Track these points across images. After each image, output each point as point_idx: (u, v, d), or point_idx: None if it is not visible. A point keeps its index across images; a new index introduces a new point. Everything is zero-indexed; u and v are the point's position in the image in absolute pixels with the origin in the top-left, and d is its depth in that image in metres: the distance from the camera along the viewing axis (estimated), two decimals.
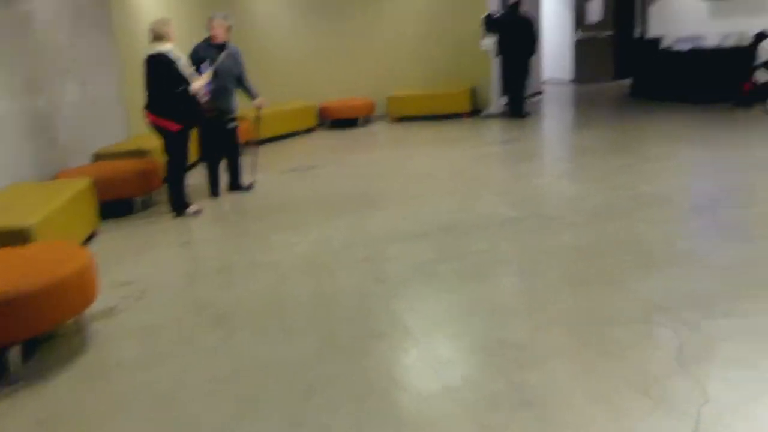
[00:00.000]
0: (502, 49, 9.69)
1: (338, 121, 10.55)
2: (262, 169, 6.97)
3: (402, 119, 10.63)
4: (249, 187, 6.45)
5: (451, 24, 10.52)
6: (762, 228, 4.18)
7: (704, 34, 10.21)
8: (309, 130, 10.21)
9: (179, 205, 5.57)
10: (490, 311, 3.31)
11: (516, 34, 9.56)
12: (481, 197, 5.56)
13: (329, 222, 5.16)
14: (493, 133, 9.07)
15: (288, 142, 9.48)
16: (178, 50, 5.35)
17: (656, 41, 11.11)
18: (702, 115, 8.67)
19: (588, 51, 13.78)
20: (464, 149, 8.00)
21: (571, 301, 3.33)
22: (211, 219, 5.60)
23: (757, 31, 8.83)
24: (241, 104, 6.35)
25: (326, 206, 5.71)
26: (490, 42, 9.78)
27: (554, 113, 10.85)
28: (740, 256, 3.73)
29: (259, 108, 6.42)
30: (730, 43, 9.52)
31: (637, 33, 12.22)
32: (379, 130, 10.22)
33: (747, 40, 9.15)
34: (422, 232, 4.66)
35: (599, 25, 13.71)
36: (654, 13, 11.48)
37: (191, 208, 5.61)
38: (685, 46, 10.16)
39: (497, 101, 10.34)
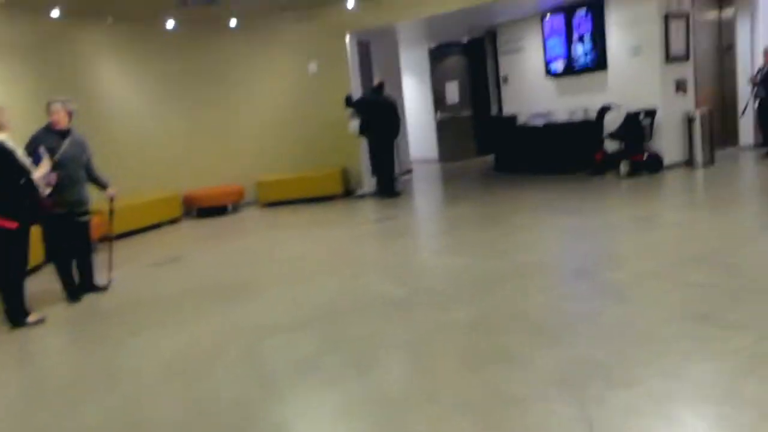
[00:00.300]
0: (367, 130, 9.78)
1: (206, 209, 10.01)
2: (121, 264, 6.28)
3: (273, 204, 10.30)
4: (105, 287, 5.75)
5: (319, 106, 10.52)
6: (634, 289, 4.22)
7: (554, 110, 10.95)
8: (174, 221, 9.57)
9: (17, 314, 4.78)
10: (386, 405, 2.96)
11: (379, 116, 9.70)
12: (363, 278, 5.29)
13: (199, 318, 4.63)
14: (367, 212, 8.96)
15: (151, 234, 8.79)
16: (11, 141, 4.74)
17: (513, 118, 11.76)
18: (562, 185, 9.11)
19: (450, 130, 14.36)
20: (340, 230, 7.78)
21: (470, 384, 3.07)
22: (59, 326, 4.86)
23: (600, 105, 9.56)
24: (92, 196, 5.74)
25: (195, 300, 5.16)
26: (355, 124, 9.87)
27: (425, 190, 11.01)
28: (622, 318, 3.69)
29: (111, 199, 5.84)
30: (579, 117, 10.25)
31: (493, 111, 12.94)
32: (250, 216, 9.80)
33: (592, 114, 9.88)
34: (303, 321, 4.27)
35: (458, 106, 14.40)
36: (507, 92, 12.21)
37: (31, 318, 4.83)
38: (539, 122, 10.81)
39: (369, 181, 10.33)
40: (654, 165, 9.01)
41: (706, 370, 2.93)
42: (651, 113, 8.93)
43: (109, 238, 6.28)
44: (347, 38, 10.43)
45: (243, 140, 10.68)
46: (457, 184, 11.17)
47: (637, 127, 8.91)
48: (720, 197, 7.31)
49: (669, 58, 9.11)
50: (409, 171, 13.18)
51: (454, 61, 14.37)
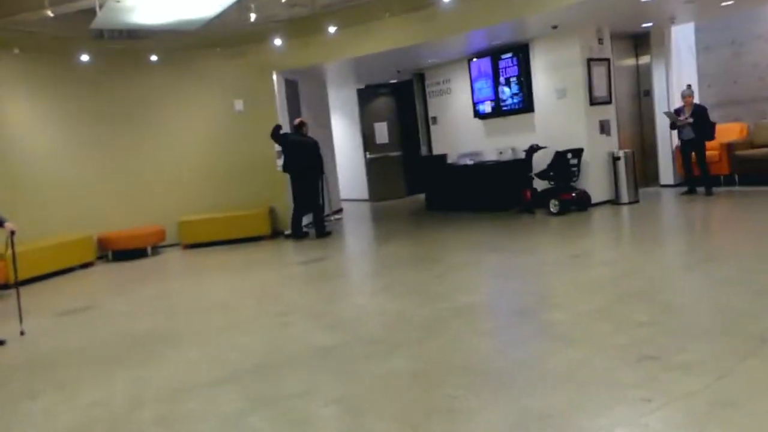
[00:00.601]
0: (290, 169, 9.49)
1: (122, 252, 9.37)
2: (24, 314, 5.65)
3: (197, 246, 9.77)
4: (2, 342, 5.13)
5: (246, 144, 10.19)
6: (578, 330, 4.08)
7: (483, 150, 11.03)
8: (86, 265, 8.88)
9: None
10: None
11: (299, 156, 9.40)
12: (294, 326, 4.93)
13: (109, 375, 4.13)
14: (296, 254, 8.60)
15: (60, 279, 8.10)
16: None
17: (442, 158, 11.78)
18: (494, 223, 9.09)
19: (380, 170, 14.27)
20: (268, 273, 7.39)
21: None
22: None
23: (528, 145, 9.67)
24: None
25: (105, 354, 4.65)
26: (281, 161, 9.62)
27: (357, 230, 10.77)
28: (570, 362, 3.51)
29: (11, 234, 5.28)
30: (507, 156, 10.34)
31: (423, 151, 12.96)
32: (171, 259, 9.24)
33: (521, 154, 9.98)
34: (227, 376, 3.87)
35: (388, 146, 14.36)
36: (436, 132, 12.26)
37: None
38: (468, 161, 10.85)
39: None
40: (582, 203, 9.14)
41: (666, 417, 2.76)
42: (578, 153, 9.09)
43: (12, 284, 5.66)
44: (274, 76, 10.20)
45: (165, 178, 10.16)
46: (388, 223, 11.00)
47: (566, 166, 9.04)
48: (648, 234, 7.42)
49: (592, 100, 9.35)
50: (340, 211, 12.94)
51: (383, 102, 14.38)
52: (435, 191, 11.57)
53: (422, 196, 12.12)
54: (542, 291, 5.27)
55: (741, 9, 9.57)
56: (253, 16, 8.11)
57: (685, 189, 9.75)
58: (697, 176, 9.45)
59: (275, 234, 10.05)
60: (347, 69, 11.40)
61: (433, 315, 4.74)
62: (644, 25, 9.92)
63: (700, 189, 9.42)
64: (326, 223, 9.94)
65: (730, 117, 10.47)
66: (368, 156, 14.23)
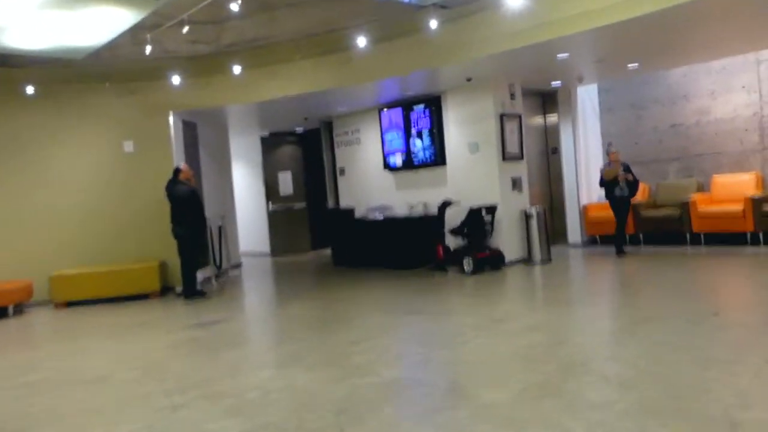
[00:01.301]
0: (171, 220, 8.46)
1: None
2: None
3: (72, 304, 8.55)
4: None
5: (136, 189, 9.20)
6: (526, 413, 3.55)
7: (393, 204, 10.61)
8: None
9: None
10: None
11: (175, 206, 8.36)
12: (185, 407, 4.08)
13: None
14: (190, 314, 7.65)
15: None
16: None
17: (350, 211, 11.25)
18: (405, 281, 8.59)
19: (283, 223, 13.54)
20: (157, 339, 6.42)
21: None
22: None
23: (440, 200, 9.34)
24: None
25: None
26: None
27: (257, 287, 9.92)
28: None
29: None
30: (419, 211, 9.97)
31: (330, 204, 12.39)
32: (40, 320, 7.99)
33: (433, 209, 9.65)
34: None
35: (292, 197, 13.69)
36: (344, 184, 11.76)
37: None
38: (378, 216, 10.38)
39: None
40: (496, 262, 8.84)
41: None
42: (492, 210, 8.84)
43: None
44: (171, 117, 9.37)
45: (37, 226, 8.94)
46: (292, 280, 10.23)
47: (480, 223, 8.74)
48: (569, 296, 7.15)
49: (505, 156, 9.21)
50: (239, 265, 12.02)
51: (289, 151, 13.77)
52: (342, 246, 10.98)
53: (328, 251, 11.49)
54: (472, 362, 4.73)
55: (643, 73, 9.89)
56: (148, 49, 7.32)
57: (614, 250, 9.33)
58: (614, 235, 9.35)
59: (166, 290, 9.02)
60: (252, 114, 10.75)
61: (352, 393, 4.05)
62: (553, 83, 10.02)
63: (615, 248, 9.31)
64: (215, 282, 9.02)
65: None
66: (271, 207, 13.47)
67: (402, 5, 7.34)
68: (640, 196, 10.25)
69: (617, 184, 9.10)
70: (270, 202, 13.47)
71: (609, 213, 10.22)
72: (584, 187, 10.72)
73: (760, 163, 9.31)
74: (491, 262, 8.79)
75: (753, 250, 8.58)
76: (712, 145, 9.75)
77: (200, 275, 9.09)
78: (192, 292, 8.44)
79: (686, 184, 9.88)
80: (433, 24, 7.05)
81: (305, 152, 13.78)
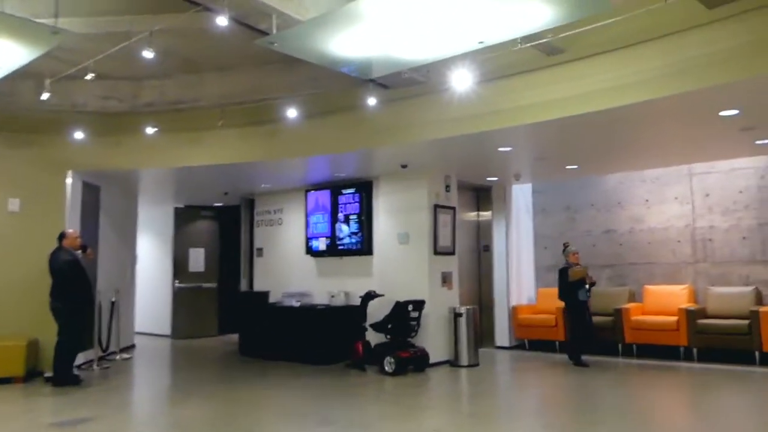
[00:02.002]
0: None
1: None
2: None
3: None
4: None
5: (16, 254, 7.96)
6: None
7: (313, 291, 9.75)
8: None
9: None
10: None
11: (57, 276, 7.28)
12: None
13: None
14: (53, 407, 6.36)
15: None
16: None
17: (264, 295, 10.28)
18: (320, 380, 7.62)
19: (189, 303, 12.32)
20: None
21: None
22: None
23: (364, 291, 8.57)
24: None
25: None
26: None
27: (149, 377, 8.65)
28: None
29: None
30: (340, 301, 9.14)
31: (243, 285, 11.36)
32: None
33: (355, 300, 8.87)
34: None
35: (202, 276, 12.56)
36: (260, 266, 10.84)
37: None
38: (294, 303, 9.46)
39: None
40: (420, 362, 8.04)
41: None
42: (419, 305, 8.13)
43: None
44: (69, 177, 8.32)
45: None
46: (189, 370, 9.02)
47: (406, 318, 7.99)
48: (497, 409, 6.39)
49: (437, 250, 8.62)
50: (131, 347, 10.67)
51: (204, 226, 12.78)
52: (252, 334, 9.89)
53: (236, 337, 10.35)
54: None
55: (580, 176, 9.72)
56: (45, 95, 6.41)
57: (574, 359, 8.43)
58: (565, 341, 8.72)
59: (34, 375, 7.63)
60: (166, 182, 9.81)
61: None
62: (489, 179, 9.70)
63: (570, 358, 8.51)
64: (97, 367, 7.74)
65: None
66: (177, 285, 12.27)
67: (340, 79, 6.84)
68: None
69: (582, 286, 8.42)
70: (177, 280, 12.27)
71: (539, 317, 9.80)
72: (515, 287, 10.25)
73: (692, 276, 9.13)
74: (415, 362, 7.98)
75: (687, 366, 8.19)
76: (646, 254, 9.56)
77: (80, 358, 7.80)
78: (64, 378, 7.14)
79: (619, 292, 9.56)
80: (372, 102, 6.54)
81: (222, 229, 12.82)
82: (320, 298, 9.62)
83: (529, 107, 6.08)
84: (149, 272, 12.62)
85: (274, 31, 4.84)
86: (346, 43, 4.87)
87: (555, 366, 8.51)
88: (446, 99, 6.43)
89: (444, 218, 8.79)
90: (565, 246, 8.84)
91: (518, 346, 10.07)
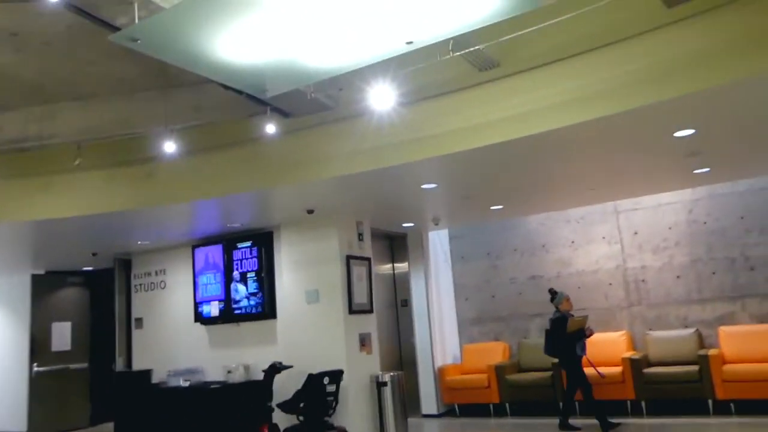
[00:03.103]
0: None
1: None
2: None
3: None
4: None
5: None
6: None
7: (205, 367, 8.15)
8: None
9: None
10: None
11: None
12: None
13: None
14: None
15: None
16: None
17: (145, 375, 8.53)
18: None
19: (53, 388, 10.18)
20: None
21: None
22: None
23: (268, 363, 7.14)
24: None
25: None
26: None
27: None
28: None
29: None
30: (238, 377, 7.60)
31: (119, 365, 9.47)
32: None
33: (257, 374, 7.40)
34: None
35: (69, 355, 10.50)
36: (141, 339, 9.08)
37: None
38: (182, 382, 7.81)
39: None
40: None
41: None
42: (337, 376, 6.78)
43: None
44: None
45: None
46: None
47: (321, 394, 6.62)
48: None
49: (352, 308, 7.37)
50: None
51: (70, 295, 10.78)
52: (130, 424, 8.08)
53: (112, 427, 8.45)
54: None
55: (502, 218, 8.91)
56: None
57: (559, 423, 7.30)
58: (564, 403, 7.39)
59: None
60: (11, 241, 7.96)
61: None
62: (405, 224, 8.65)
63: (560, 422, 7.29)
64: None
65: (491, 335, 9.35)
66: (36, 368, 10.13)
67: (229, 107, 5.60)
68: (500, 357, 8.87)
69: (581, 338, 7.20)
70: (35, 363, 10.14)
71: (469, 377, 8.74)
72: (438, 345, 9.13)
73: (628, 321, 8.41)
74: None
75: (637, 422, 7.32)
76: (576, 300, 8.71)
77: None
78: None
79: None
80: (270, 131, 5.33)
81: (93, 298, 10.87)
82: (214, 374, 8.03)
83: (461, 132, 5.11)
84: None
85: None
86: (233, 43, 3.65)
87: None
88: (360, 127, 5.37)
89: (359, 271, 7.59)
90: (554, 293, 7.58)
91: (448, 412, 8.89)
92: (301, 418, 6.63)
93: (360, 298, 7.53)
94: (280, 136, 5.53)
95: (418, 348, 9.02)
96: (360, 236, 7.77)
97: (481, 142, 5.04)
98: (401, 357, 9.14)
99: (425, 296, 9.11)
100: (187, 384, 7.75)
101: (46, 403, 10.10)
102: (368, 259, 7.82)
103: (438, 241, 9.68)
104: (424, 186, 6.20)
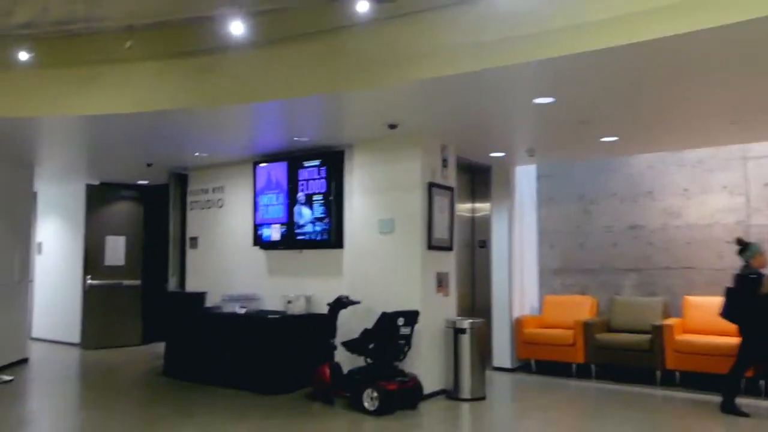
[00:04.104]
0: None
1: None
2: None
3: None
4: None
5: None
6: None
7: (263, 294, 7.47)
8: None
9: None
10: None
11: None
12: None
13: None
14: None
15: None
16: None
17: (198, 298, 7.94)
18: (269, 419, 5.41)
19: (105, 304, 9.81)
20: None
21: None
22: None
23: (333, 296, 6.37)
24: None
25: None
26: None
27: (39, 412, 6.18)
28: None
29: None
30: (299, 308, 6.88)
31: (171, 285, 8.92)
32: None
33: (320, 307, 6.67)
34: None
35: (122, 271, 10.05)
36: (195, 260, 8.48)
37: None
38: (238, 309, 7.15)
39: None
40: (412, 396, 5.84)
41: None
42: (412, 318, 5.93)
43: None
44: None
45: None
46: (97, 401, 6.62)
47: (395, 336, 5.80)
48: None
49: (431, 243, 6.46)
50: (20, 363, 8.17)
51: (125, 209, 10.28)
52: (181, 348, 7.54)
53: (162, 350, 7.95)
54: None
55: (614, 153, 7.67)
56: None
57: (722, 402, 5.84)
58: (730, 377, 5.87)
59: None
60: (70, 141, 7.30)
61: None
62: (494, 154, 7.56)
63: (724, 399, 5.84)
64: None
65: (575, 288, 8.34)
66: (89, 282, 9.72)
67: None
68: (587, 314, 7.87)
69: None
70: (89, 275, 9.72)
71: (552, 332, 7.80)
72: (517, 294, 8.19)
73: None
74: (404, 397, 5.77)
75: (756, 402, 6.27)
76: (683, 257, 7.63)
77: None
78: None
79: (648, 304, 7.59)
80: (362, 8, 4.35)
81: (147, 213, 10.34)
82: (272, 304, 7.35)
83: (608, 23, 3.96)
84: (52, 265, 10.14)
85: None
86: None
87: (600, 399, 6.51)
88: (470, 16, 4.29)
89: (441, 202, 6.64)
90: (744, 243, 5.95)
91: (522, 367, 8.02)
92: (368, 360, 5.84)
93: (440, 232, 6.61)
94: (364, 27, 4.54)
95: (495, 295, 8.09)
96: (444, 162, 6.78)
97: (630, 38, 3.89)
98: (474, 303, 8.25)
99: (507, 239, 8.11)
100: (242, 311, 7.09)
101: (99, 317, 9.76)
102: (451, 190, 6.86)
103: (524, 178, 8.60)
104: (538, 100, 5.09)
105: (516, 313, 8.08)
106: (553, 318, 8.05)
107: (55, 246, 10.48)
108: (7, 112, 5.78)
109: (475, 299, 8.26)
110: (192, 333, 7.40)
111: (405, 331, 5.81)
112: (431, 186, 6.47)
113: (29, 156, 7.89)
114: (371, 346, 5.78)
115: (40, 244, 10.76)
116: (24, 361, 8.36)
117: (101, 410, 6.07)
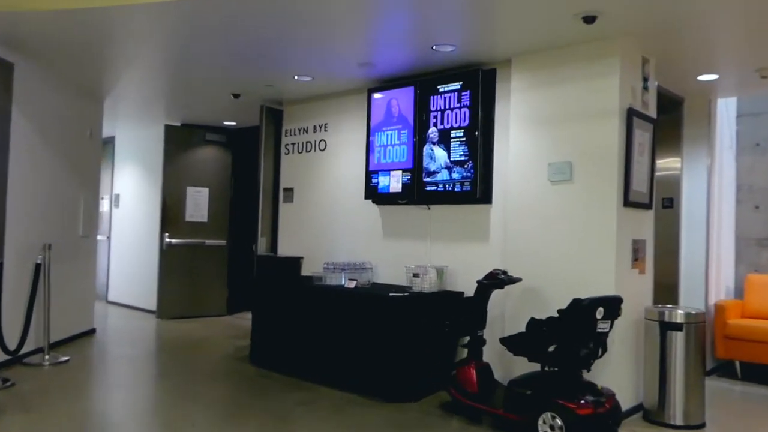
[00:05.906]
0: None
1: None
2: None
3: None
4: None
5: None
6: None
7: (376, 264, 5.74)
8: None
9: None
10: None
11: None
12: None
13: None
14: None
15: None
16: None
17: (294, 265, 6.32)
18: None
19: (186, 267, 8.44)
20: None
21: None
22: None
23: (476, 270, 4.53)
24: None
25: None
26: None
27: (68, 411, 4.72)
28: None
29: None
30: (429, 285, 5.09)
31: (261, 247, 7.34)
32: None
33: (458, 283, 4.85)
34: None
35: (205, 228, 8.62)
36: (290, 217, 6.87)
37: None
38: (347, 282, 5.43)
39: None
40: (609, 424, 3.93)
41: None
42: (614, 308, 3.96)
43: None
44: None
45: None
46: (169, 394, 5.11)
47: (588, 335, 3.88)
48: None
49: (628, 198, 4.46)
50: (86, 335, 6.88)
51: (209, 155, 8.78)
52: (270, 329, 5.92)
53: (249, 324, 6.40)
54: None
55: None
56: None
57: None
58: None
59: None
60: (152, 78, 5.74)
61: None
62: (704, 77, 5.38)
63: None
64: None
65: None
66: (167, 240, 8.35)
67: None
68: None
69: None
70: (167, 233, 8.34)
71: (760, 324, 5.62)
72: (713, 271, 6.07)
73: None
74: (600, 425, 3.86)
75: None
76: None
77: None
78: None
79: None
80: None
81: (235, 162, 8.82)
82: (389, 276, 5.61)
83: None
84: (130, 219, 8.83)
85: None
86: None
87: None
88: None
89: (641, 138, 4.60)
90: None
91: (721, 367, 5.95)
92: (547, 367, 3.96)
93: (639, 183, 4.59)
94: None
95: (684, 271, 6.00)
96: (644, 83, 4.72)
97: None
98: (655, 280, 6.18)
99: (706, 198, 5.97)
100: (352, 285, 5.36)
101: (177, 282, 8.41)
102: (654, 121, 4.80)
103: (722, 117, 6.38)
104: None
105: (712, 297, 5.98)
106: (760, 305, 5.92)
107: (132, 198, 9.20)
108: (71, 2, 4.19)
109: (658, 275, 6.19)
110: (285, 310, 5.76)
111: (603, 327, 3.87)
112: (631, 114, 4.44)
113: (97, 81, 6.40)
114: (551, 348, 3.89)
115: (117, 196, 9.54)
116: (90, 332, 7.08)
117: (179, 403, 4.54)
